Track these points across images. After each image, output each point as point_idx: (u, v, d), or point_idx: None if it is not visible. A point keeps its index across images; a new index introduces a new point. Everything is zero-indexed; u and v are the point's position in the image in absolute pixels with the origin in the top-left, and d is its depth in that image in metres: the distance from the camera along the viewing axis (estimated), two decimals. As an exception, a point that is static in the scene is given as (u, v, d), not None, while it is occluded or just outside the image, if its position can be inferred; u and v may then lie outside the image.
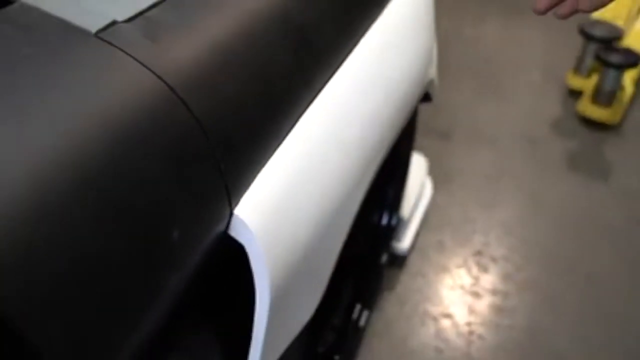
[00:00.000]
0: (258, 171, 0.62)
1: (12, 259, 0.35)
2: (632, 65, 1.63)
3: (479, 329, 1.19)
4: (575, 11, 0.63)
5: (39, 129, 0.42)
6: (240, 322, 0.67)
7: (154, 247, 0.46)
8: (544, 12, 0.64)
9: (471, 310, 1.23)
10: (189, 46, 0.58)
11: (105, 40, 0.52)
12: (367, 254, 1.29)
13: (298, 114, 0.70)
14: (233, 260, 0.59)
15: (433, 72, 1.10)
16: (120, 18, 0.55)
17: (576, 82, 1.85)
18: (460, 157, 1.65)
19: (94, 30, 0.53)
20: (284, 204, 0.66)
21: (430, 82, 1.08)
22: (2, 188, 0.37)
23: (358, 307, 1.27)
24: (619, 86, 1.69)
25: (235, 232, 0.57)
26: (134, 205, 0.45)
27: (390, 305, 1.29)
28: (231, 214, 0.56)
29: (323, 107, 0.75)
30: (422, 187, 1.42)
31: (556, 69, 2.00)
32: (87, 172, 0.43)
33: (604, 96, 1.69)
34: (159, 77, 0.52)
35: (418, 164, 1.40)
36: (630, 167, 1.63)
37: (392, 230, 1.35)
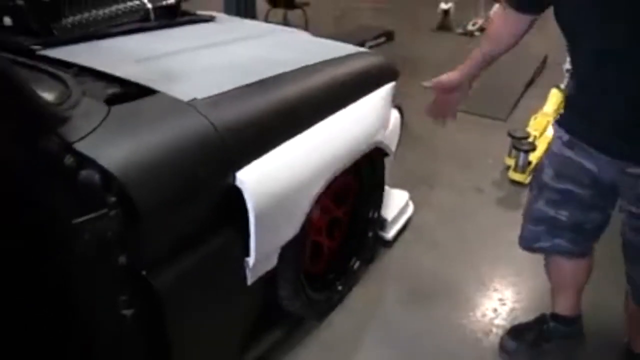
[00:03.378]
0: (257, 158, 1.20)
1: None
2: (532, 150, 2.75)
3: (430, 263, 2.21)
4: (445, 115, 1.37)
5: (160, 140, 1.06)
6: (245, 228, 1.22)
7: (204, 185, 1.13)
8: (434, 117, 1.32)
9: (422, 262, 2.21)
10: (229, 110, 1.22)
11: (190, 105, 1.17)
12: (360, 233, 2.00)
13: (287, 136, 1.31)
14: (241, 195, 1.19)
15: (382, 137, 1.78)
16: (199, 97, 1.20)
17: (508, 161, 2.93)
18: (438, 197, 2.67)
19: (186, 100, 1.18)
20: (268, 172, 1.23)
21: (380, 142, 1.77)
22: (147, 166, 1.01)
23: (354, 259, 1.96)
24: (527, 161, 2.79)
25: (237, 183, 1.17)
26: (195, 174, 1.09)
27: (379, 261, 2.16)
28: (234, 175, 1.17)
29: (304, 137, 1.35)
30: (405, 206, 2.34)
31: (500, 156, 3.01)
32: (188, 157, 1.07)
33: (520, 167, 2.80)
34: (208, 120, 1.14)
35: (402, 195, 2.37)
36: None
37: (374, 221, 2.04)
